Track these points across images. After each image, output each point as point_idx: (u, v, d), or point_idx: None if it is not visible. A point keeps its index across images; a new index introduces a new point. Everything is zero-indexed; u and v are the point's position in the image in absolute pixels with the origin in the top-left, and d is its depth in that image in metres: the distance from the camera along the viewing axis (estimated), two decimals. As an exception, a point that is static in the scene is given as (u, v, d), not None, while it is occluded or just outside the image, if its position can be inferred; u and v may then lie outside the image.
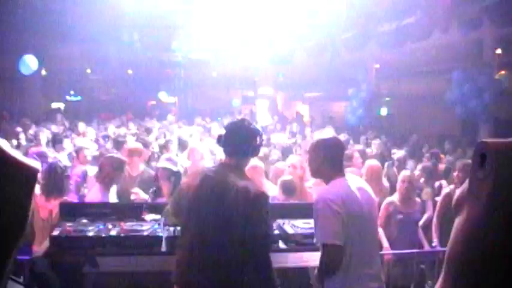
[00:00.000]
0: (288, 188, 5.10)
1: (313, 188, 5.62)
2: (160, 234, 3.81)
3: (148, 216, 4.28)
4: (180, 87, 23.16)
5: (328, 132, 9.57)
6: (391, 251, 5.21)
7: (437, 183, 6.82)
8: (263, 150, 6.61)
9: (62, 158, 6.76)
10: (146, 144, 6.79)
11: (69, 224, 4.04)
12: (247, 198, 2.90)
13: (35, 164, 1.16)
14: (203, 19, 13.40)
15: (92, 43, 14.91)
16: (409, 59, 14.81)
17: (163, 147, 7.39)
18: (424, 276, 5.40)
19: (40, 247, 4.34)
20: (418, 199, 5.65)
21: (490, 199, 2.27)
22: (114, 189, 5.13)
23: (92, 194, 5.02)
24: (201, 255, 2.98)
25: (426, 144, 11.01)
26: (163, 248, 3.71)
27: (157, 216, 4.11)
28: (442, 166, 7.76)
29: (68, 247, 3.81)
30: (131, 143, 6.23)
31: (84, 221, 4.16)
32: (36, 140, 8.58)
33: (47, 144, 8.05)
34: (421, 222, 5.67)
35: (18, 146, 8.21)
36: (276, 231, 4.11)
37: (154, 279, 3.61)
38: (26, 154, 5.97)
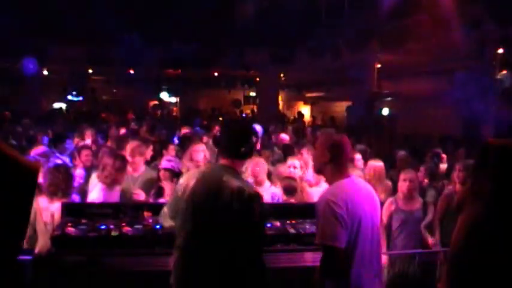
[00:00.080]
0: (289, 188, 5.11)
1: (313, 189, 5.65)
2: (162, 234, 3.81)
3: (150, 217, 4.29)
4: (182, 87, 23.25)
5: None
6: (392, 251, 5.21)
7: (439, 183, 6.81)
8: (265, 152, 6.62)
9: (63, 158, 6.76)
10: (148, 144, 6.77)
11: (70, 224, 4.05)
12: (241, 199, 2.89)
13: (37, 163, 1.17)
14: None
15: (94, 43, 14.94)
16: (411, 59, 14.80)
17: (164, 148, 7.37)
18: (425, 276, 5.39)
19: (42, 248, 4.35)
20: (420, 199, 5.64)
21: (492, 198, 2.27)
22: (116, 188, 5.13)
23: (94, 194, 5.01)
24: (196, 256, 2.98)
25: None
26: (165, 249, 3.71)
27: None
28: (443, 166, 7.75)
29: (69, 247, 3.82)
30: (133, 142, 6.21)
31: (86, 221, 4.16)
32: (36, 140, 8.58)
33: (48, 144, 8.04)
34: (423, 223, 5.66)
35: (19, 147, 8.21)
36: (275, 232, 4.12)
37: (155, 279, 3.60)
38: (27, 154, 5.96)
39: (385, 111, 18.24)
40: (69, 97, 22.93)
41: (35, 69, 15.86)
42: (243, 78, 22.46)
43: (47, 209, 4.57)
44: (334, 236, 2.80)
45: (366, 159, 6.96)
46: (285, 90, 24.83)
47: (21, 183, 1.38)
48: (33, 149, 6.49)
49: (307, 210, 4.46)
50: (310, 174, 5.95)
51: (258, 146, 6.43)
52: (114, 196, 5.05)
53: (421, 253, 5.25)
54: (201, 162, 5.94)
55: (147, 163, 6.13)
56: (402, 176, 5.52)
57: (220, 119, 16.93)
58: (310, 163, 5.96)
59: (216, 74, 22.08)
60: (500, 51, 12.79)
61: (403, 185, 5.43)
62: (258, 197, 2.98)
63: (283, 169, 5.93)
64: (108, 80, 23.51)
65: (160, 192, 5.00)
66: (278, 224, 4.32)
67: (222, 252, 2.92)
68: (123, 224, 4.08)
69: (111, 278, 3.77)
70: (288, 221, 4.38)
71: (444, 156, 8.32)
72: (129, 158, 5.64)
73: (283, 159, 6.74)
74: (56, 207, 4.52)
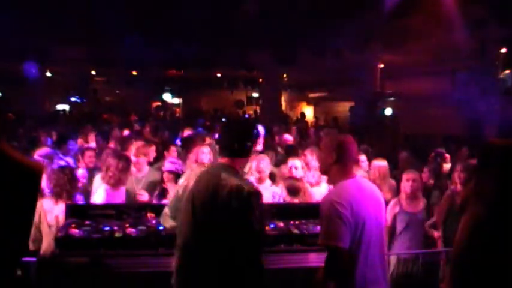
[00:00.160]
0: (293, 189, 5.12)
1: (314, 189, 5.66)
2: (165, 235, 3.81)
3: (153, 218, 4.30)
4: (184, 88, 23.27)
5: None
6: (396, 252, 5.21)
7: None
8: (268, 153, 6.62)
9: (67, 159, 6.77)
10: (150, 145, 6.78)
11: (74, 225, 4.06)
12: (239, 197, 2.89)
13: (40, 165, 1.18)
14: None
15: (96, 44, 14.95)
16: (414, 59, 14.81)
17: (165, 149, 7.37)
18: (429, 277, 5.38)
19: (45, 250, 4.37)
20: (424, 199, 5.63)
21: (495, 198, 2.27)
22: (120, 189, 5.14)
23: (99, 194, 5.02)
24: (196, 256, 2.98)
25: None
26: (168, 250, 3.72)
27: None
28: (447, 166, 7.74)
29: (73, 249, 3.83)
30: (138, 142, 6.24)
31: (89, 222, 4.17)
32: (39, 141, 8.60)
33: (52, 146, 8.06)
34: (428, 223, 5.65)
35: (21, 148, 8.22)
36: (278, 232, 4.13)
37: (159, 280, 3.61)
38: (31, 156, 5.98)
39: (388, 111, 18.22)
40: (72, 98, 22.96)
41: (37, 74, 15.91)
42: (246, 79, 22.47)
43: (51, 211, 4.58)
44: (338, 236, 2.79)
45: (368, 159, 6.96)
46: (288, 90, 24.83)
47: (25, 184, 1.38)
48: (36, 151, 6.50)
49: (310, 210, 4.47)
50: (310, 174, 5.95)
51: (261, 147, 6.43)
52: (118, 197, 5.07)
53: (424, 253, 5.24)
54: (206, 164, 5.95)
55: (150, 164, 6.15)
56: (405, 177, 5.50)
57: (223, 120, 16.90)
58: (313, 164, 5.96)
59: (218, 75, 22.10)
60: (503, 50, 12.78)
61: (406, 186, 5.42)
62: (257, 194, 2.97)
63: (285, 170, 5.93)
64: (110, 81, 23.55)
65: (163, 194, 5.02)
66: (282, 224, 4.32)
67: (221, 251, 2.92)
68: (127, 225, 4.09)
69: (115, 279, 3.78)
70: (291, 222, 4.39)
71: (447, 156, 8.31)
72: (133, 158, 5.66)
73: (287, 161, 6.75)
74: (60, 209, 4.54)
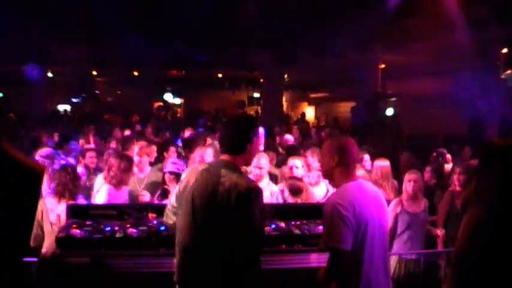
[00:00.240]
0: (295, 189, 5.12)
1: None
2: (166, 235, 3.81)
3: (155, 218, 4.30)
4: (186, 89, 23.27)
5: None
6: (397, 252, 5.20)
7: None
8: (269, 154, 6.62)
9: (69, 159, 6.79)
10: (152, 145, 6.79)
11: (75, 225, 4.06)
12: (239, 193, 2.88)
13: (41, 165, 1.18)
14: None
15: (97, 45, 14.96)
16: (415, 59, 14.78)
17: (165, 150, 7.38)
18: (430, 277, 5.38)
19: (47, 249, 4.37)
20: (425, 200, 5.62)
21: (496, 199, 2.27)
22: (122, 189, 5.14)
23: (101, 195, 5.02)
24: (197, 253, 2.98)
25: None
26: (170, 250, 3.71)
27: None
28: (448, 166, 7.75)
29: (74, 249, 3.83)
30: (141, 142, 6.25)
31: (91, 222, 4.17)
32: (40, 142, 8.61)
33: (54, 147, 8.07)
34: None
35: (23, 148, 8.23)
36: (280, 232, 4.12)
37: (160, 281, 3.61)
38: (32, 156, 5.98)
39: (389, 112, 18.21)
40: (74, 99, 22.97)
41: (39, 75, 15.92)
42: (247, 79, 22.46)
43: (53, 210, 4.60)
44: (340, 238, 2.79)
45: (370, 159, 6.96)
46: (289, 91, 24.81)
47: (26, 185, 1.38)
48: (37, 151, 6.51)
49: (312, 211, 4.47)
50: (310, 175, 5.94)
51: (262, 148, 6.43)
52: (121, 197, 5.07)
53: (426, 254, 5.24)
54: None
55: (150, 164, 6.15)
56: (406, 177, 5.50)
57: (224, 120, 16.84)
58: (314, 165, 5.96)
59: (220, 75, 22.08)
60: (504, 51, 12.77)
61: (407, 186, 5.42)
62: (256, 190, 2.96)
63: (286, 170, 5.93)
64: (112, 81, 23.55)
65: (165, 194, 5.02)
66: (283, 224, 4.32)
67: (221, 249, 2.92)
68: (128, 226, 4.09)
69: (116, 280, 3.78)
70: (292, 222, 4.38)
71: (449, 156, 8.31)
72: (136, 158, 5.66)
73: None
74: (62, 208, 4.55)
